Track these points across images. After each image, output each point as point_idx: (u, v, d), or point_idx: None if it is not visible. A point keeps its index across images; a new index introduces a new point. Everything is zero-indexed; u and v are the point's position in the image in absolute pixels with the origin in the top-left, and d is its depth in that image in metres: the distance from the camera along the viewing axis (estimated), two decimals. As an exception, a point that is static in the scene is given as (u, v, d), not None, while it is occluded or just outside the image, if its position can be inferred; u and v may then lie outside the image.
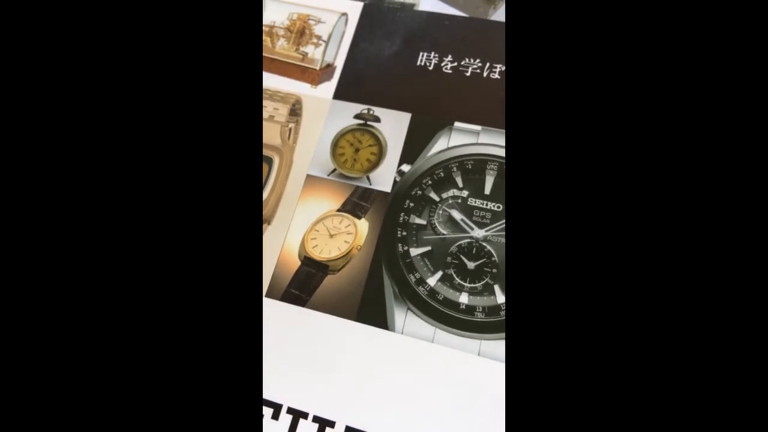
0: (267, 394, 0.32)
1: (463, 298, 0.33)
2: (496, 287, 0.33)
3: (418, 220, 0.35)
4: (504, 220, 0.34)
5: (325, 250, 0.35)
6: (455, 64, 0.38)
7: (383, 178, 0.36)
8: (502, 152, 0.35)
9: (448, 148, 0.36)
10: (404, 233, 0.35)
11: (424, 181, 0.36)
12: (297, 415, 0.32)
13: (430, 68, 0.38)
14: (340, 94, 0.39)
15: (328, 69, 0.40)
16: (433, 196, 0.35)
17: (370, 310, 0.34)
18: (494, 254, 0.34)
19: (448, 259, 0.34)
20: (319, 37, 0.40)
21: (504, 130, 0.36)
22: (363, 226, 0.35)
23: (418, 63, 0.38)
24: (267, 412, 0.32)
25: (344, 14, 0.41)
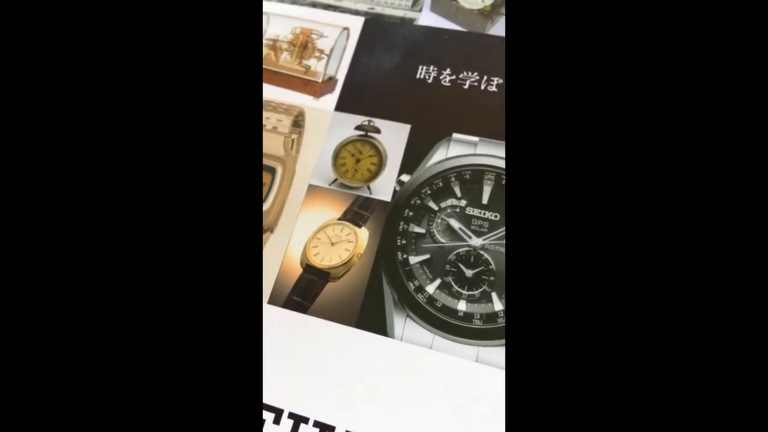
0: (269, 399, 0.33)
1: (462, 306, 0.34)
2: (494, 295, 0.34)
3: (417, 229, 0.36)
4: (501, 229, 0.35)
5: (326, 258, 0.36)
6: (453, 77, 0.39)
7: (383, 188, 0.37)
8: (499, 162, 0.36)
9: (447, 159, 0.37)
10: (404, 242, 0.36)
11: (423, 191, 0.37)
12: (298, 420, 0.32)
13: (429, 81, 0.39)
14: (341, 106, 0.40)
15: (330, 82, 0.41)
16: (432, 205, 0.36)
17: (370, 317, 0.34)
18: (492, 262, 0.34)
19: (447, 267, 0.35)
20: (321, 51, 0.41)
21: (501, 141, 0.37)
22: (363, 234, 0.36)
23: (418, 76, 0.39)
24: (269, 416, 0.33)
25: (346, 29, 0.42)
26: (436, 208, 0.36)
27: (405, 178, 0.37)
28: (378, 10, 0.43)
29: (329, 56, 0.41)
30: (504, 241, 0.35)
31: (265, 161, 0.39)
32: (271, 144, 0.39)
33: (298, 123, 0.40)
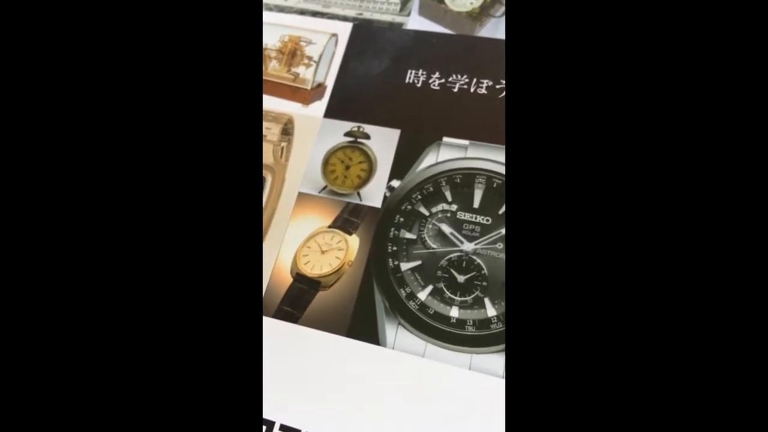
0: (259, 411, 0.32)
1: (454, 312, 0.33)
2: (486, 300, 0.33)
3: (408, 235, 0.35)
4: (493, 233, 0.34)
5: (316, 267, 0.36)
6: (443, 80, 0.38)
7: (373, 194, 0.37)
8: (490, 166, 0.36)
9: (437, 163, 0.36)
10: (395, 248, 0.35)
11: (414, 196, 0.36)
12: (289, 432, 0.32)
13: (419, 85, 0.39)
14: (330, 113, 0.40)
15: (319, 88, 0.40)
16: (423, 210, 0.36)
17: (362, 326, 0.34)
18: (484, 267, 0.34)
19: (439, 273, 0.34)
20: (310, 58, 0.41)
21: (492, 144, 0.36)
22: (354, 241, 0.36)
23: (407, 80, 0.39)
24: (259, 429, 0.32)
25: (334, 35, 0.42)
26: (427, 214, 0.36)
27: (395, 183, 0.37)
28: (366, 15, 0.42)
29: (318, 63, 0.41)
30: (496, 246, 0.34)
31: (255, 170, 0.38)
32: (261, 152, 0.39)
33: (287, 131, 0.40)
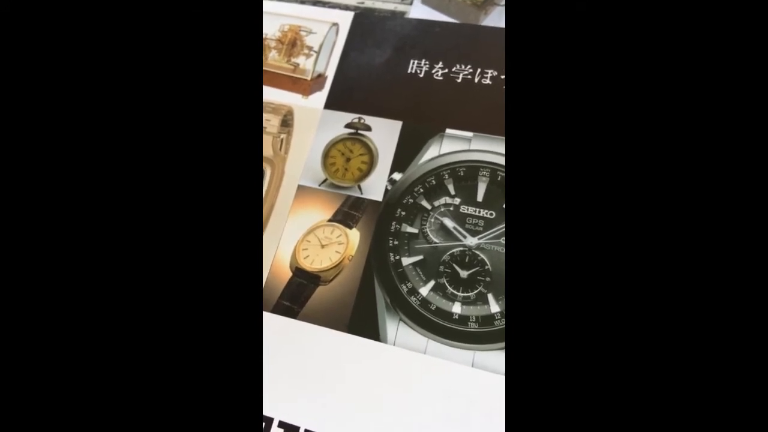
0: (258, 407, 0.32)
1: (456, 308, 0.33)
2: (490, 296, 0.32)
3: (409, 229, 0.35)
4: (497, 228, 0.34)
5: (316, 261, 0.35)
6: (446, 70, 0.38)
7: (374, 187, 0.36)
8: (494, 158, 0.35)
9: (440, 156, 0.36)
10: (396, 242, 0.35)
11: (416, 189, 0.35)
12: (288, 429, 0.31)
13: (421, 75, 0.38)
14: (331, 104, 0.39)
15: (319, 79, 0.39)
16: (425, 204, 0.35)
17: (362, 322, 0.33)
18: (487, 262, 0.33)
19: (441, 268, 0.34)
20: (310, 48, 0.40)
21: (496, 136, 0.35)
22: (354, 235, 0.35)
23: (409, 71, 0.38)
24: (258, 426, 0.32)
25: (335, 24, 0.41)
26: (429, 207, 0.35)
27: (397, 176, 0.36)
28: (368, 3, 0.42)
29: (318, 53, 0.40)
30: (500, 240, 0.33)
31: (254, 162, 0.38)
32: (260, 144, 0.38)
33: (286, 122, 0.39)
